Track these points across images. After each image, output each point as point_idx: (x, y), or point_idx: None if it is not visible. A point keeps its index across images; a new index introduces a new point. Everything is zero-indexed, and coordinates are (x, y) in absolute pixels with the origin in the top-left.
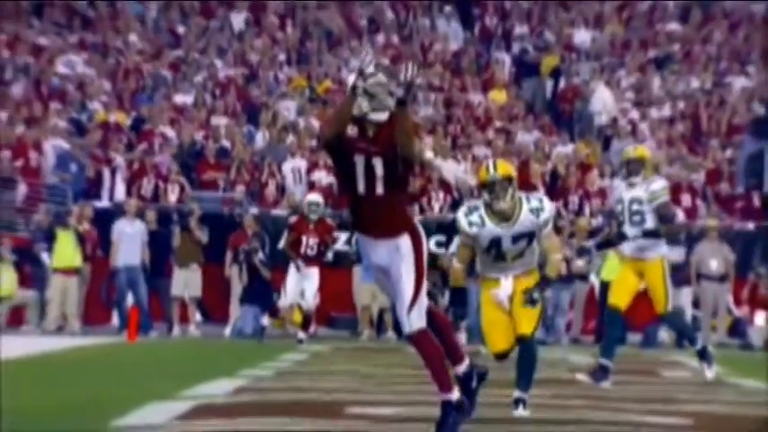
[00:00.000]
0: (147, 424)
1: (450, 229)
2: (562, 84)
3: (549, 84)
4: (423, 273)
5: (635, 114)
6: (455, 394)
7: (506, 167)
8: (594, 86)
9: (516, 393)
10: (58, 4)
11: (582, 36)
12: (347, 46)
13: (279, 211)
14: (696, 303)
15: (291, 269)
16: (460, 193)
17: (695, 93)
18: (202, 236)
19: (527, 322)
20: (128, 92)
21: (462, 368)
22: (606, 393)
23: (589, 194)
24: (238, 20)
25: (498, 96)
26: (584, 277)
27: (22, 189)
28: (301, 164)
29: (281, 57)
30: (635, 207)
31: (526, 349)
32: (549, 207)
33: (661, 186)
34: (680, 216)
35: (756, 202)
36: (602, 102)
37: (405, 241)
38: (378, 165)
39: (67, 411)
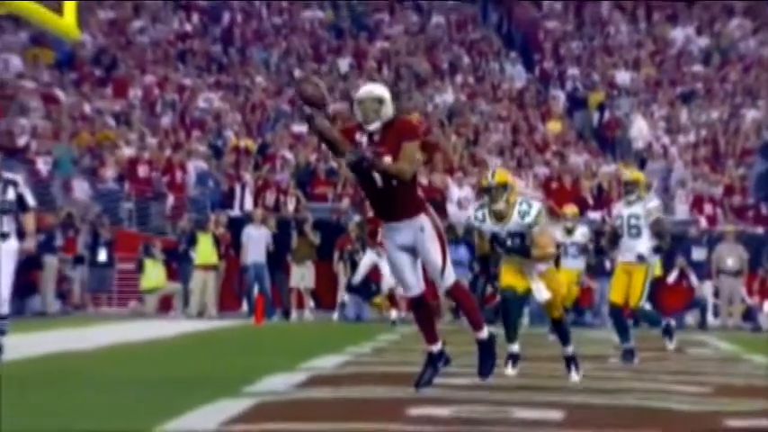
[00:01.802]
0: (271, 390)
1: None
2: (606, 116)
3: (596, 116)
4: (444, 241)
5: (666, 140)
6: (485, 332)
7: (504, 176)
8: (633, 118)
9: (564, 350)
10: (198, 51)
11: (622, 76)
12: (432, 85)
13: None
14: (716, 294)
15: (367, 254)
16: None
17: (715, 122)
18: (315, 239)
19: (556, 311)
20: (255, 122)
21: (438, 347)
22: (642, 367)
23: None
24: (344, 64)
25: (554, 126)
26: None
27: (170, 201)
28: None
29: None
30: (632, 222)
31: (561, 327)
32: (534, 212)
33: (655, 206)
34: (702, 222)
35: (765, 211)
36: (639, 130)
37: (425, 221)
38: (389, 162)
39: (206, 380)
